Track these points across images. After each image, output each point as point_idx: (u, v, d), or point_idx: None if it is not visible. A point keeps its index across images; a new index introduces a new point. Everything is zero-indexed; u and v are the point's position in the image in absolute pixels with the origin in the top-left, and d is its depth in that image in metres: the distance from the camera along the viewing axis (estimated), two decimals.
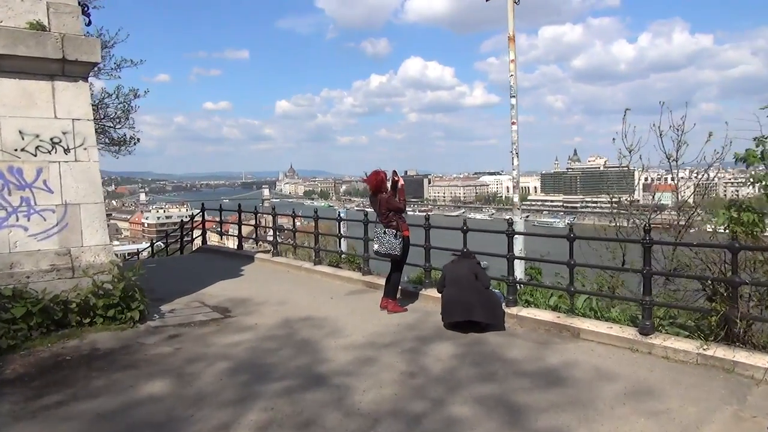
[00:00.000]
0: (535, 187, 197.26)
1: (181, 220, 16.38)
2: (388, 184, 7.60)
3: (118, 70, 14.74)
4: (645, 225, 5.72)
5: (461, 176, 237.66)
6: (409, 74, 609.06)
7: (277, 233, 12.90)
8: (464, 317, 6.52)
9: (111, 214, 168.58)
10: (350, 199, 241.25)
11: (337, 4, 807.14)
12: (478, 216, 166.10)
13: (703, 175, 8.80)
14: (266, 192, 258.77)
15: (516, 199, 8.52)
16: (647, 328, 5.77)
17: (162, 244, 18.32)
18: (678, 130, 8.18)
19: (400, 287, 8.02)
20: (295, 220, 12.22)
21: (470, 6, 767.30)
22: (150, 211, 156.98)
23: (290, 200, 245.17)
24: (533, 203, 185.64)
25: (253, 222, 13.60)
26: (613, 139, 8.91)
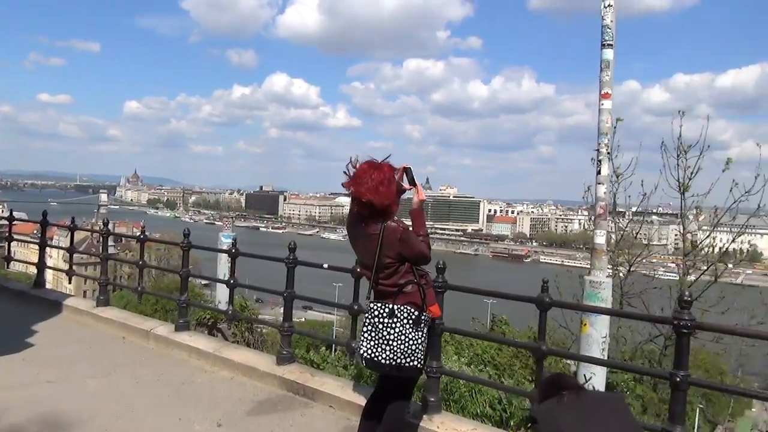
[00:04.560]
0: None
1: None
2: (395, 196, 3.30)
3: None
4: None
5: (318, 195, 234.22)
6: (274, 89, 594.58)
7: (111, 247, 7.72)
8: None
9: None
10: (199, 212, 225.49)
11: (204, 8, 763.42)
12: (332, 236, 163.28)
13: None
14: (104, 197, 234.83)
15: (600, 240, 4.37)
16: None
17: None
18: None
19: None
20: (143, 245, 7.02)
21: (341, 28, 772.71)
22: None
23: (131, 208, 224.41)
24: None
25: (83, 236, 8.07)
26: (592, 159, 7.81)
